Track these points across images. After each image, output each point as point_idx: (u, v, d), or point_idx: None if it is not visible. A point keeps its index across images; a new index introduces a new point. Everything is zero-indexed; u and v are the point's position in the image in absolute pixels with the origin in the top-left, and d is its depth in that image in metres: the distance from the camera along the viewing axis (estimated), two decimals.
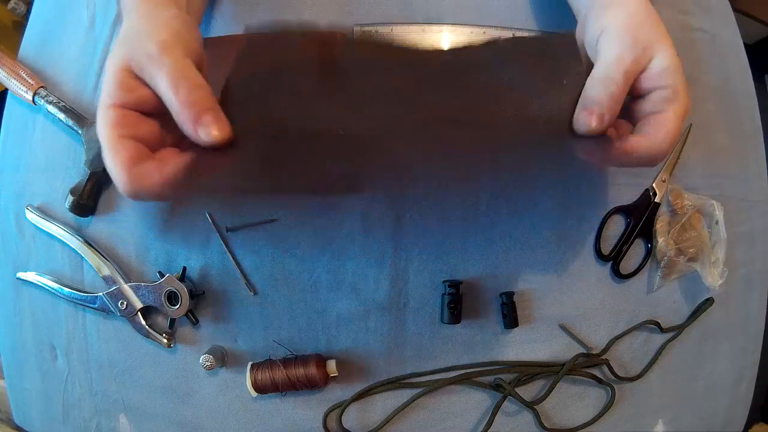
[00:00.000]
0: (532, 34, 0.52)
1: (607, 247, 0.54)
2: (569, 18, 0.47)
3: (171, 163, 0.35)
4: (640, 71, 0.39)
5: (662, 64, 0.38)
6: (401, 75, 0.44)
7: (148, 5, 0.37)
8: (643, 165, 0.40)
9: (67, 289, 0.52)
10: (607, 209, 0.53)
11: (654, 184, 0.54)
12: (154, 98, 0.36)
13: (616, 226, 0.54)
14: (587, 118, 0.38)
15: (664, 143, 0.38)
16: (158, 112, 0.36)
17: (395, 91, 0.42)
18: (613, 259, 0.53)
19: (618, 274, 0.53)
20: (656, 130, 0.38)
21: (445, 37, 0.52)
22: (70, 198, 0.51)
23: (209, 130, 0.35)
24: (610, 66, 0.38)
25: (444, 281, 0.51)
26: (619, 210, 0.54)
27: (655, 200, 0.54)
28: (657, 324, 0.54)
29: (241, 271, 0.52)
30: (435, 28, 0.52)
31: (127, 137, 0.35)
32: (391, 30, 0.52)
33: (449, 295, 0.50)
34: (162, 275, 0.50)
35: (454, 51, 0.49)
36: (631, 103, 0.41)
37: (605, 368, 0.53)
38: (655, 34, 0.39)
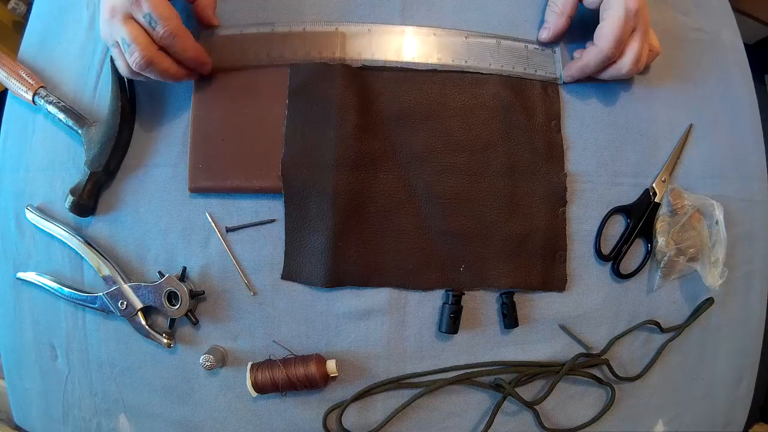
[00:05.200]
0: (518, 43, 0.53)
1: (607, 247, 0.54)
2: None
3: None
4: None
5: None
6: None
7: None
8: (603, 71, 0.50)
9: (67, 289, 0.52)
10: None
11: (654, 184, 0.54)
12: None
13: (616, 226, 0.54)
14: (540, 33, 0.53)
15: (605, 43, 0.47)
16: None
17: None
18: (613, 259, 0.53)
19: (618, 274, 0.53)
20: (597, 35, 0.48)
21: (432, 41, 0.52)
22: (70, 198, 0.51)
23: None
24: None
25: (447, 290, 0.51)
26: (619, 210, 0.54)
27: (655, 200, 0.54)
28: (657, 324, 0.54)
29: (241, 271, 0.52)
30: (425, 30, 0.53)
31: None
32: (369, 29, 0.52)
33: (452, 305, 0.50)
34: (162, 275, 0.50)
35: None
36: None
37: (605, 368, 0.53)
38: None
